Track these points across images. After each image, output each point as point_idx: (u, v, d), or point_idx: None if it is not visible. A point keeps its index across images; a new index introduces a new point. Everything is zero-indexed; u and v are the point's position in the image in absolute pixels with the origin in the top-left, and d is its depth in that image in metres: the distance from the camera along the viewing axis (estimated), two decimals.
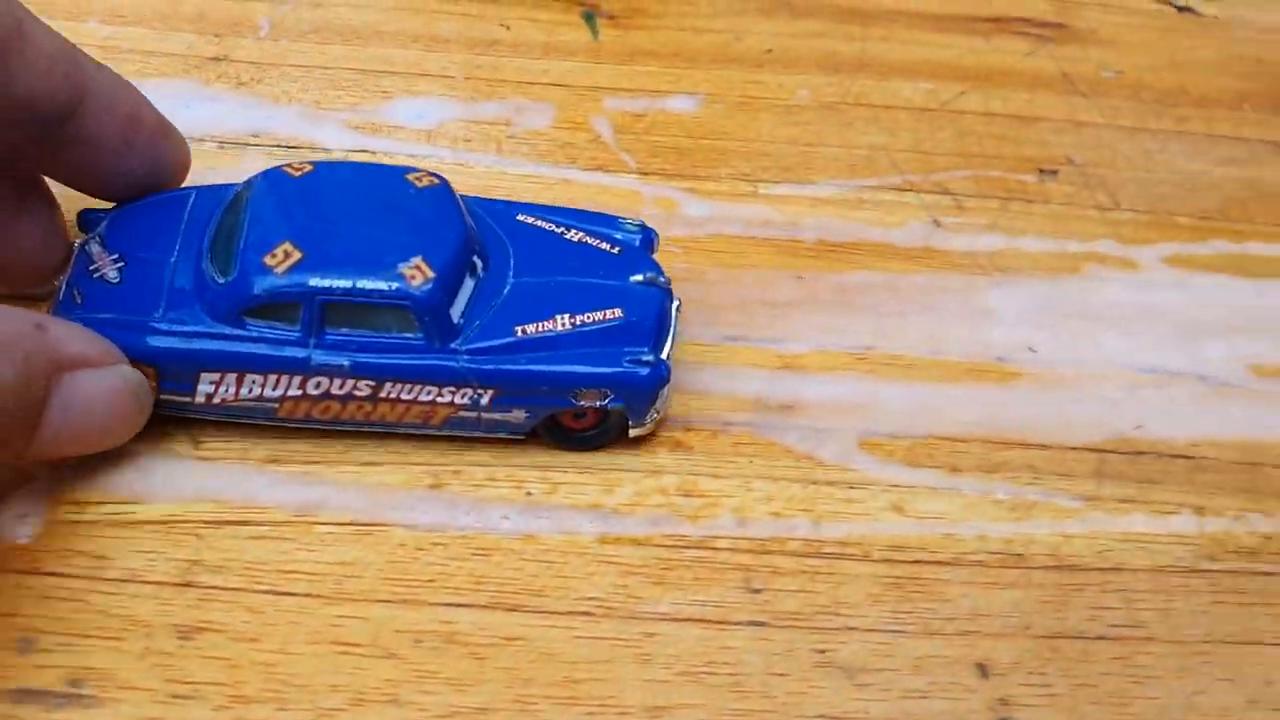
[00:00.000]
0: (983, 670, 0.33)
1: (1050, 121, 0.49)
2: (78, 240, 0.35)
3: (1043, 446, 0.38)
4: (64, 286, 0.34)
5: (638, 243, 0.38)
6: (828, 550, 0.35)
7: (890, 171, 0.46)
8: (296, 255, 0.32)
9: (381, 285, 0.32)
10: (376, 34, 0.48)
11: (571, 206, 0.39)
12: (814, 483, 0.37)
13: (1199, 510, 0.37)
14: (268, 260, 0.32)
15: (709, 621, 0.33)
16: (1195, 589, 0.36)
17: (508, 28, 0.49)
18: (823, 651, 0.33)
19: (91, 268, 0.34)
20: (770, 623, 0.34)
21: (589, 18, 0.50)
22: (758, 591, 0.34)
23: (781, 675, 0.33)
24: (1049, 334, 0.42)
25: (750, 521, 0.36)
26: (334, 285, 0.32)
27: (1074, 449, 0.38)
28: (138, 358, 0.32)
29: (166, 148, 0.36)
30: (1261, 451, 0.39)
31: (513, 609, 0.33)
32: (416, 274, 0.33)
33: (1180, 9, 0.54)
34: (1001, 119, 0.49)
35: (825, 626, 0.34)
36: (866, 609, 0.34)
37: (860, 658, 0.33)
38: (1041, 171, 0.47)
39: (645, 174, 0.45)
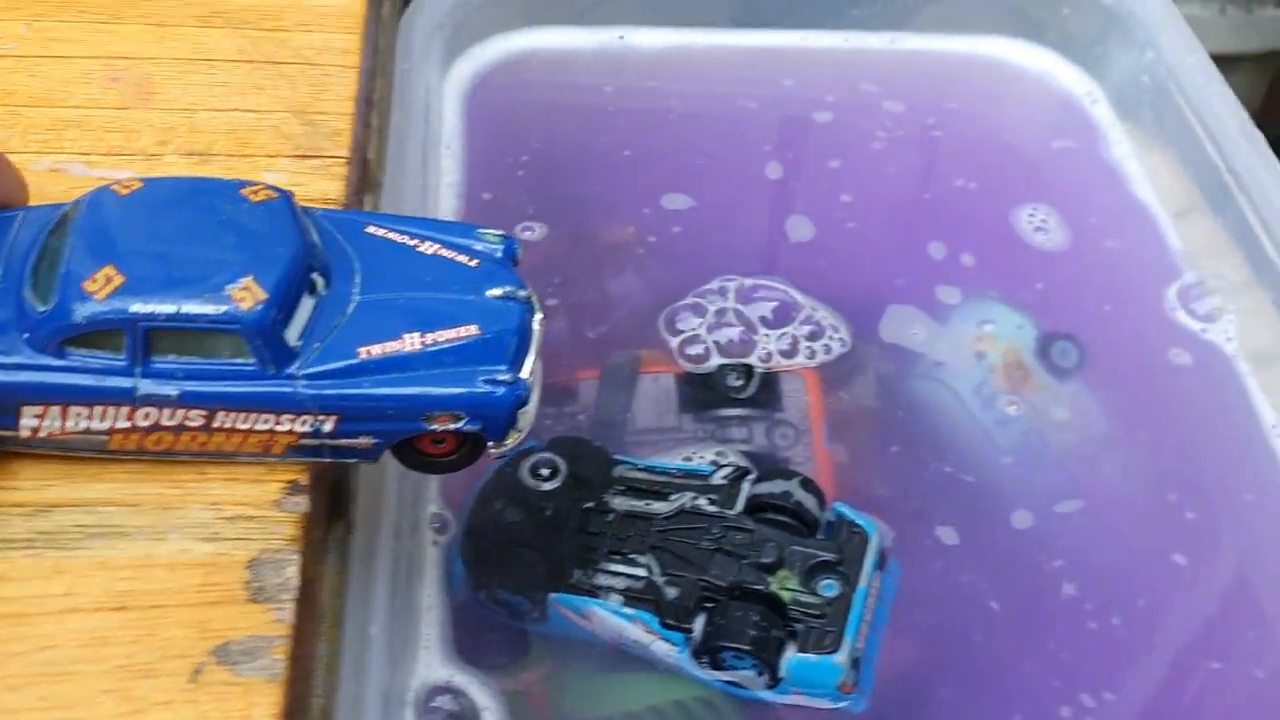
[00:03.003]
0: None
1: None
2: None
3: None
4: None
5: (499, 254, 0.36)
6: None
7: None
8: (118, 279, 0.31)
9: (208, 309, 0.31)
10: None
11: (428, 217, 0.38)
12: None
13: None
14: (87, 286, 0.31)
15: None
16: None
17: None
18: None
19: None
20: None
21: None
22: None
23: None
24: None
25: None
26: (157, 311, 0.31)
27: None
28: None
29: None
30: None
31: None
32: (246, 295, 0.31)
33: None
34: None
35: None
36: None
37: None
38: None
39: None
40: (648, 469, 0.44)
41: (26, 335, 0.31)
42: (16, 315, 0.32)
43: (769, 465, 0.46)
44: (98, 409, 0.32)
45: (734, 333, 0.52)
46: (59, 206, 0.34)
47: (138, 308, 0.31)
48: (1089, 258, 0.56)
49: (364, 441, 0.33)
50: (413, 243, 0.35)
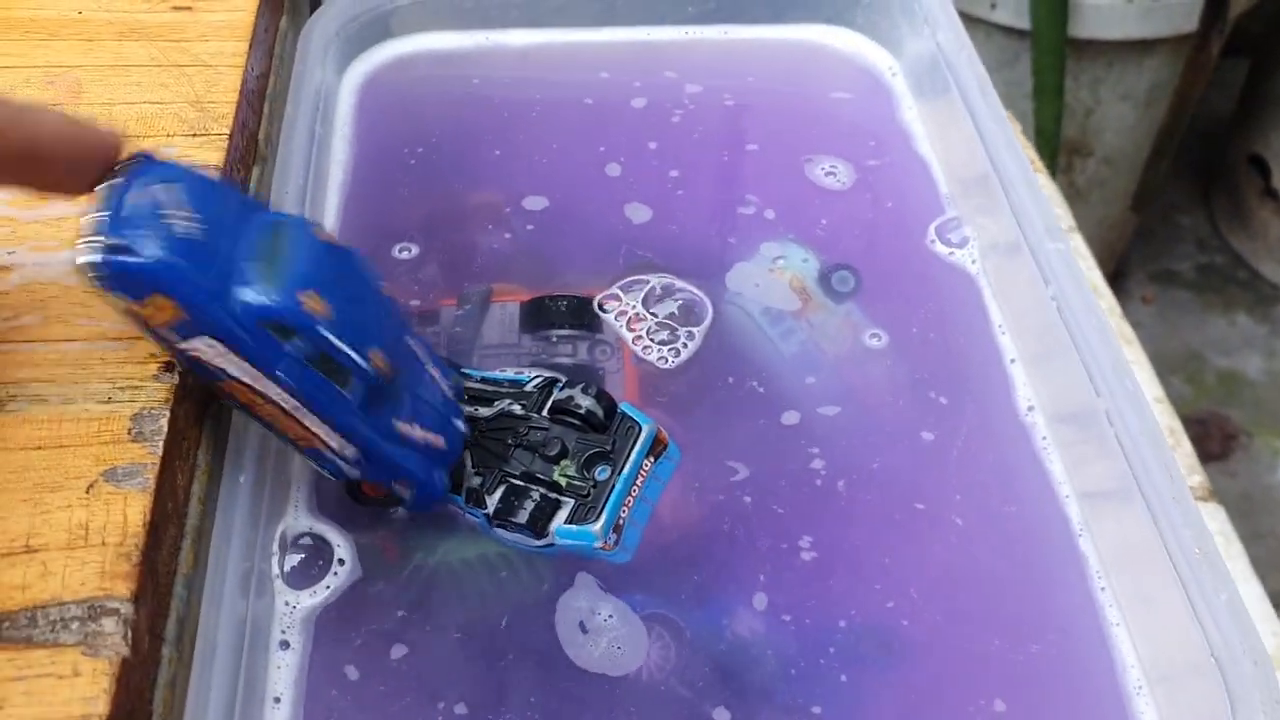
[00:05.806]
0: None
1: None
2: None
3: None
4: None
5: (455, 391, 0.52)
6: None
7: None
8: (322, 308, 0.44)
9: (359, 360, 0.46)
10: None
11: None
12: None
13: None
14: (303, 298, 0.44)
15: None
16: None
17: None
18: None
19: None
20: None
21: None
22: None
23: None
24: None
25: None
26: (325, 336, 0.45)
27: None
28: None
29: None
30: None
31: None
32: (383, 365, 0.46)
33: None
34: None
35: None
36: None
37: None
38: None
39: None
40: (481, 379, 0.55)
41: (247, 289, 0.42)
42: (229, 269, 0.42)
43: (585, 376, 0.57)
44: (247, 367, 0.43)
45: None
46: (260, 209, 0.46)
47: (323, 330, 0.43)
48: (871, 203, 0.68)
49: (351, 470, 0.47)
50: (428, 365, 0.50)
